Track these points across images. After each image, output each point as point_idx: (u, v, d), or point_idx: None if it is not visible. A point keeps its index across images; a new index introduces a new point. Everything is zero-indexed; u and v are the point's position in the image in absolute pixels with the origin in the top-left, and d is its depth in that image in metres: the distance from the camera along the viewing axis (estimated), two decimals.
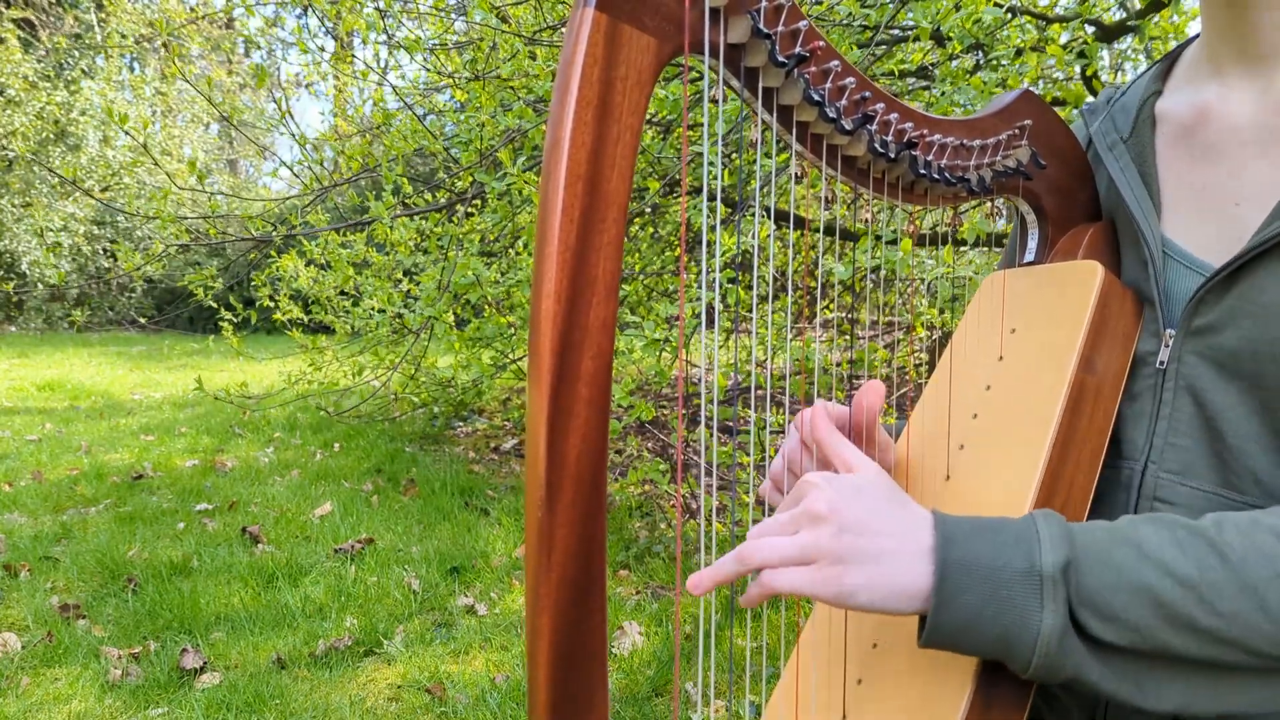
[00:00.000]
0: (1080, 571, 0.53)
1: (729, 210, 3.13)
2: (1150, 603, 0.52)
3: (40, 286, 12.67)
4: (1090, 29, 2.68)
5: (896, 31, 2.70)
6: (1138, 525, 0.56)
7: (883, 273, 2.75)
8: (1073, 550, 0.54)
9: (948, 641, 0.55)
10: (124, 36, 12.81)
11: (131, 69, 15.24)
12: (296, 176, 4.60)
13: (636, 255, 4.28)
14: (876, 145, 0.64)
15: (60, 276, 8.53)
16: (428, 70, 3.83)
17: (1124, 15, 3.03)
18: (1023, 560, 0.53)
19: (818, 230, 2.74)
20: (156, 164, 3.77)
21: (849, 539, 0.54)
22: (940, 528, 0.55)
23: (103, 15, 13.35)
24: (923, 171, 0.67)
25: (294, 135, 3.77)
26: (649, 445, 4.73)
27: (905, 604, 0.55)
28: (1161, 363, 0.69)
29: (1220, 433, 0.65)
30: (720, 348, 3.89)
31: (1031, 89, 0.74)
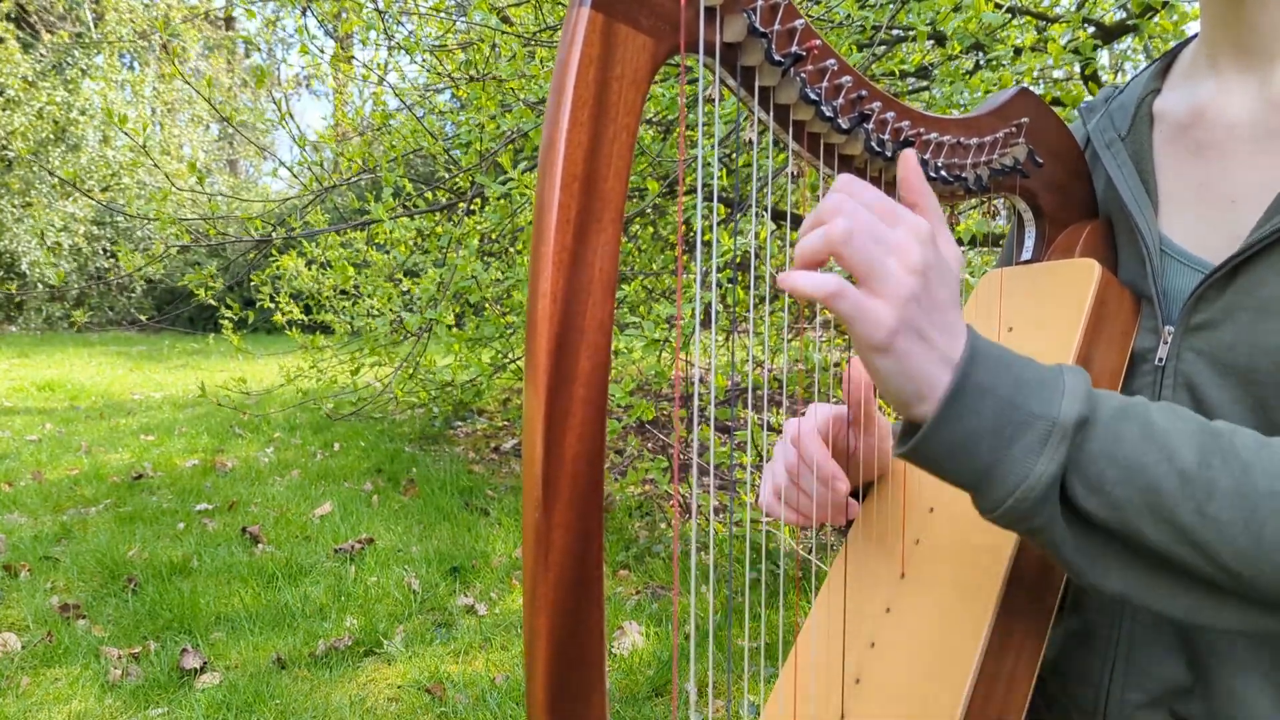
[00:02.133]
0: (1087, 432, 0.51)
1: (727, 210, 3.13)
2: (1141, 485, 0.51)
3: (40, 286, 12.66)
4: (1090, 29, 2.68)
5: (897, 32, 2.70)
6: (1150, 407, 0.54)
7: None
8: (1090, 409, 0.52)
9: (932, 456, 0.53)
10: (120, 37, 12.81)
11: (131, 68, 15.22)
12: (296, 177, 4.60)
13: (636, 255, 4.28)
14: (873, 144, 0.64)
15: (60, 276, 8.52)
16: (427, 72, 3.83)
17: (1124, 15, 3.03)
18: (1041, 404, 0.51)
19: None
20: (157, 165, 3.77)
21: (921, 307, 0.51)
22: (971, 345, 0.52)
23: (97, 7, 13.33)
24: None
25: (294, 137, 3.77)
26: (649, 445, 4.73)
27: (910, 394, 0.52)
28: (1160, 360, 0.69)
29: None
30: (719, 348, 3.89)
31: (1028, 87, 0.74)
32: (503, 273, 3.66)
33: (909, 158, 0.59)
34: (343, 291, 5.33)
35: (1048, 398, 0.52)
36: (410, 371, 4.58)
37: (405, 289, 4.64)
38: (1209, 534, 0.50)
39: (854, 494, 0.79)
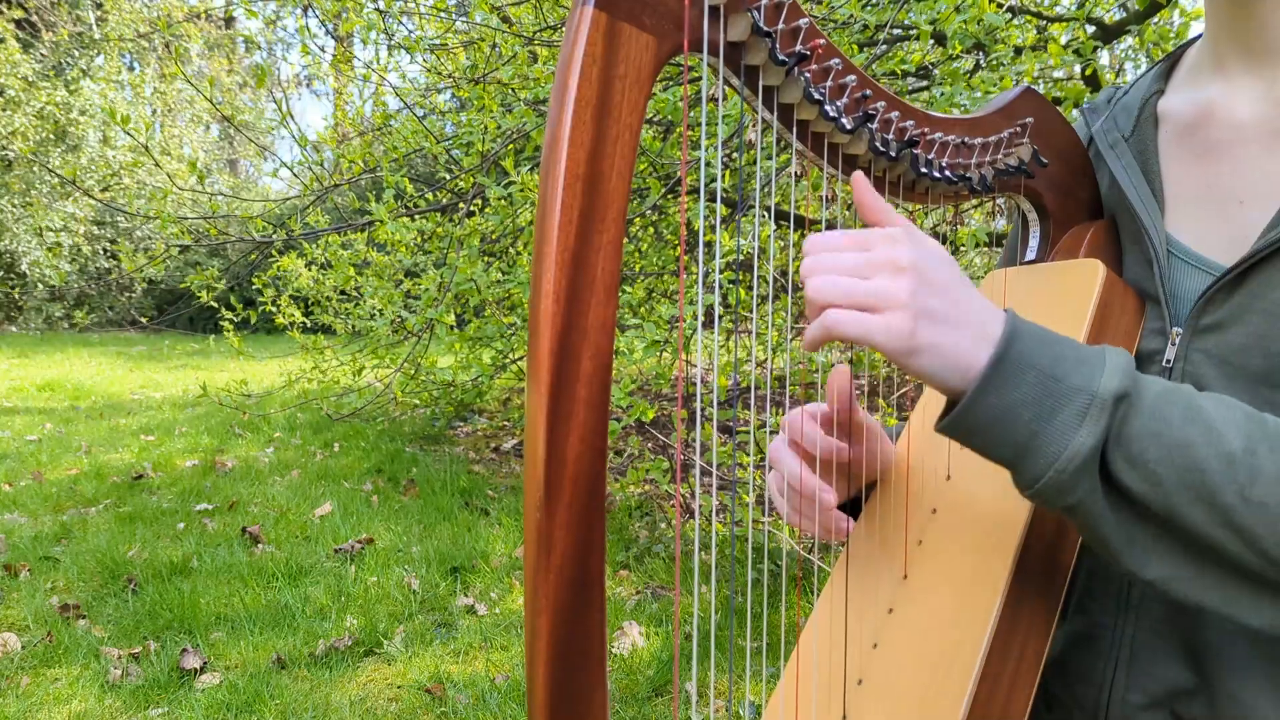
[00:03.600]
0: (1129, 408, 0.52)
1: (729, 210, 3.13)
2: (1183, 463, 0.51)
3: (40, 287, 12.66)
4: (1090, 29, 2.67)
5: (897, 31, 2.70)
6: (1197, 393, 0.54)
7: None
8: (1133, 385, 0.52)
9: (972, 428, 0.53)
10: (122, 37, 12.81)
11: (131, 69, 15.22)
12: (296, 177, 4.60)
13: (637, 255, 4.28)
14: (877, 144, 0.63)
15: (61, 277, 8.50)
16: (428, 73, 3.83)
17: (1124, 15, 3.02)
18: (1080, 378, 0.52)
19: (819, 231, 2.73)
20: (157, 164, 3.76)
21: (928, 296, 0.52)
22: (1011, 321, 0.54)
23: (100, 11, 13.34)
24: (924, 170, 0.67)
25: (294, 137, 3.77)
26: (649, 445, 4.72)
27: (955, 379, 0.53)
28: (1168, 361, 0.69)
29: None
30: (720, 348, 3.89)
31: (1033, 87, 0.73)
32: (504, 273, 3.65)
33: (858, 180, 0.60)
34: (343, 293, 5.33)
35: (1089, 373, 0.52)
36: (411, 372, 4.58)
37: (406, 290, 4.64)
38: (1251, 518, 0.50)
39: (855, 499, 0.79)
